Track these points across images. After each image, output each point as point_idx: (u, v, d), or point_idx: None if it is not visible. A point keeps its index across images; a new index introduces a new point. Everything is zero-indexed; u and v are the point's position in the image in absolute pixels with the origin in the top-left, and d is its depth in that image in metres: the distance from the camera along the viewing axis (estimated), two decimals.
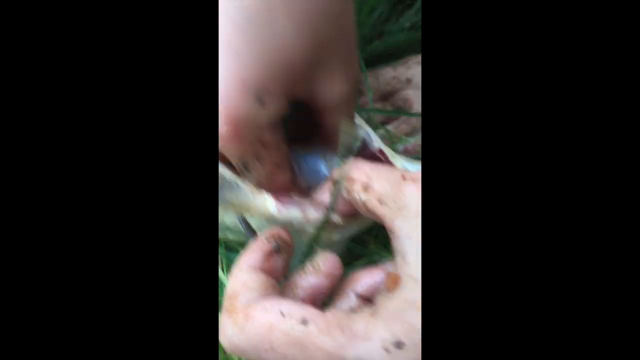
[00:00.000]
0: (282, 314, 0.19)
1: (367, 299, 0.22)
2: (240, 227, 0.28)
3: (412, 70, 0.37)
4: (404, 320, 0.18)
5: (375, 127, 0.35)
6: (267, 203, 0.25)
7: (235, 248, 0.36)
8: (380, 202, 0.21)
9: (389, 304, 0.18)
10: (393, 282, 0.19)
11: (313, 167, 0.27)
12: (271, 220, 0.26)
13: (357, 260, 0.32)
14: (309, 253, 0.25)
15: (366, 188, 0.21)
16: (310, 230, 0.25)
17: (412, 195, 0.20)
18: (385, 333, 0.17)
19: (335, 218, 0.24)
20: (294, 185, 0.26)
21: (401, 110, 0.36)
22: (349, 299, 0.22)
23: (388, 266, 0.23)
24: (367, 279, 0.23)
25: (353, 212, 0.24)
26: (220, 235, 0.31)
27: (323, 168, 0.27)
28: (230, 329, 0.19)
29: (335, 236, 0.26)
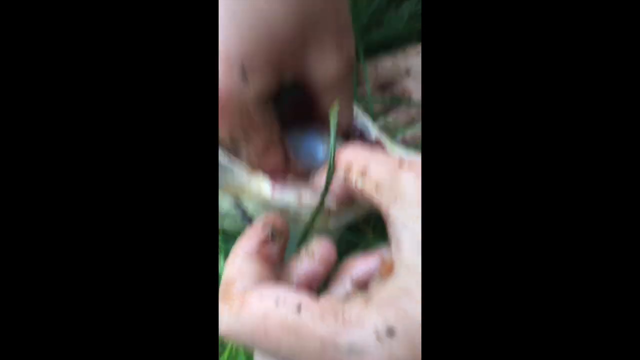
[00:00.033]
0: (277, 301, 0.19)
1: (362, 285, 0.22)
2: (236, 213, 0.28)
3: (411, 60, 0.37)
4: (398, 308, 0.18)
5: (373, 118, 0.35)
6: (262, 186, 0.25)
7: (233, 236, 0.36)
8: (377, 188, 0.20)
9: (382, 291, 0.18)
10: (387, 270, 0.19)
11: (309, 150, 0.26)
12: (266, 204, 0.26)
13: (355, 249, 0.32)
14: (304, 239, 0.25)
15: (363, 174, 0.21)
16: (306, 216, 0.25)
17: (409, 183, 0.20)
18: (378, 320, 0.17)
19: (331, 203, 0.24)
20: (287, 167, 0.26)
21: (400, 100, 0.36)
22: (344, 286, 0.22)
23: (383, 252, 0.23)
24: (362, 265, 0.23)
25: (350, 198, 0.24)
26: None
27: (320, 150, 0.26)
28: (226, 315, 0.20)
29: (331, 223, 0.26)
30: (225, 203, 0.28)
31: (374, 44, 0.38)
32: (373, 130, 0.30)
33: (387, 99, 0.36)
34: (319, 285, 0.23)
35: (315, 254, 0.23)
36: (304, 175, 0.26)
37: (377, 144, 0.30)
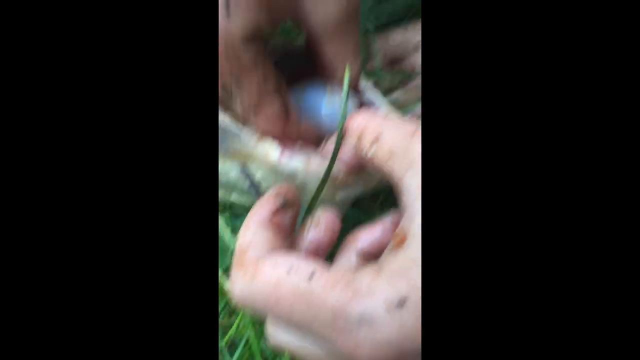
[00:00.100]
0: (290, 269, 0.19)
1: (368, 257, 0.22)
2: (243, 181, 0.27)
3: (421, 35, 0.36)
4: (409, 278, 0.17)
5: (382, 94, 0.34)
6: (270, 150, 0.25)
7: (241, 214, 0.36)
8: (390, 156, 0.20)
9: (394, 262, 0.18)
10: (400, 241, 0.19)
11: (311, 102, 0.26)
12: (274, 169, 0.25)
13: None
14: (311, 207, 0.25)
15: (376, 140, 0.21)
16: (313, 184, 0.25)
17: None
18: (389, 290, 0.17)
19: (339, 171, 0.24)
20: (285, 118, 0.25)
21: (410, 75, 0.35)
22: (349, 258, 0.22)
23: (387, 221, 0.23)
24: (366, 236, 0.22)
25: (360, 167, 0.24)
26: (224, 194, 0.30)
27: (322, 103, 0.25)
28: (240, 282, 0.20)
29: (339, 195, 0.26)
30: (232, 172, 0.28)
31: (384, 17, 0.37)
32: (383, 106, 0.29)
33: (397, 74, 0.36)
34: (326, 254, 0.23)
35: (320, 223, 0.23)
36: (309, 135, 0.25)
37: None
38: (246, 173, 0.27)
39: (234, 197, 0.30)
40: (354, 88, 0.26)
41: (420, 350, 0.17)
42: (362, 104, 0.29)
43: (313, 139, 0.26)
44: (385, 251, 0.20)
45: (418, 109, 0.34)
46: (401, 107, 0.34)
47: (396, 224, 0.22)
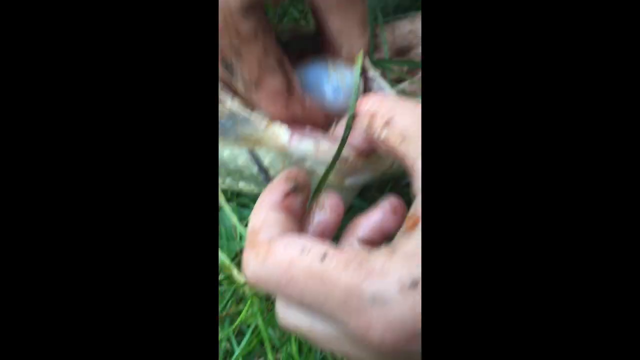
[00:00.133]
0: (303, 250, 0.19)
1: (370, 242, 0.22)
2: (252, 167, 0.27)
3: None
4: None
5: (390, 84, 0.34)
6: (280, 134, 0.25)
7: (248, 204, 0.36)
8: (403, 138, 0.20)
9: (407, 244, 0.18)
10: (412, 224, 0.19)
11: (314, 78, 0.25)
12: (283, 153, 0.25)
13: None
14: (319, 188, 0.25)
15: (388, 123, 0.21)
16: (322, 169, 0.25)
17: None
18: (403, 271, 0.17)
19: (349, 154, 0.24)
20: (289, 94, 0.24)
21: (418, 65, 0.35)
22: (352, 245, 0.22)
23: (385, 205, 0.23)
24: (366, 221, 0.23)
25: (370, 151, 0.24)
26: (231, 182, 0.30)
27: (325, 79, 0.25)
28: (252, 263, 0.20)
29: (347, 181, 0.26)
30: (240, 158, 0.28)
31: (391, 6, 0.37)
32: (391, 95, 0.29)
33: (404, 64, 0.35)
34: (332, 236, 0.23)
35: (325, 205, 0.23)
36: (314, 112, 0.25)
37: None
38: (255, 158, 0.27)
39: (242, 185, 0.30)
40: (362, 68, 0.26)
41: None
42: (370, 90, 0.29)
43: (318, 116, 0.25)
44: (398, 233, 0.20)
45: None
46: (409, 98, 0.34)
47: (395, 208, 0.23)
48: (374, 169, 0.26)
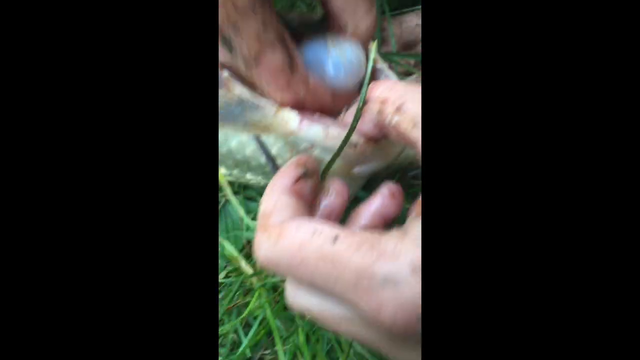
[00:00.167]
0: (314, 232, 0.19)
1: (372, 228, 0.23)
2: (260, 155, 0.27)
3: None
4: None
5: (397, 77, 0.34)
6: (289, 119, 0.25)
7: (255, 197, 0.36)
8: (414, 124, 0.20)
9: (418, 227, 0.18)
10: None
11: (315, 53, 0.25)
12: (292, 139, 0.25)
13: None
14: (325, 172, 0.25)
15: (399, 109, 0.21)
16: (331, 156, 0.25)
17: None
18: (414, 253, 0.17)
19: (359, 139, 0.24)
20: (290, 70, 0.24)
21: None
22: None
23: (384, 189, 0.23)
24: (367, 209, 0.23)
25: (380, 137, 0.24)
26: (239, 173, 0.31)
27: (326, 53, 0.25)
28: (264, 245, 0.20)
29: (355, 170, 0.26)
30: (248, 148, 0.28)
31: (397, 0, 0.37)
32: None
33: (411, 57, 0.36)
34: (339, 219, 0.24)
35: (330, 190, 0.23)
36: (317, 90, 0.25)
37: None
38: (262, 146, 0.27)
39: (249, 177, 0.30)
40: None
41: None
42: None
43: (323, 96, 0.25)
44: (410, 217, 0.20)
45: None
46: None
47: (393, 193, 0.23)
48: (382, 156, 0.26)
